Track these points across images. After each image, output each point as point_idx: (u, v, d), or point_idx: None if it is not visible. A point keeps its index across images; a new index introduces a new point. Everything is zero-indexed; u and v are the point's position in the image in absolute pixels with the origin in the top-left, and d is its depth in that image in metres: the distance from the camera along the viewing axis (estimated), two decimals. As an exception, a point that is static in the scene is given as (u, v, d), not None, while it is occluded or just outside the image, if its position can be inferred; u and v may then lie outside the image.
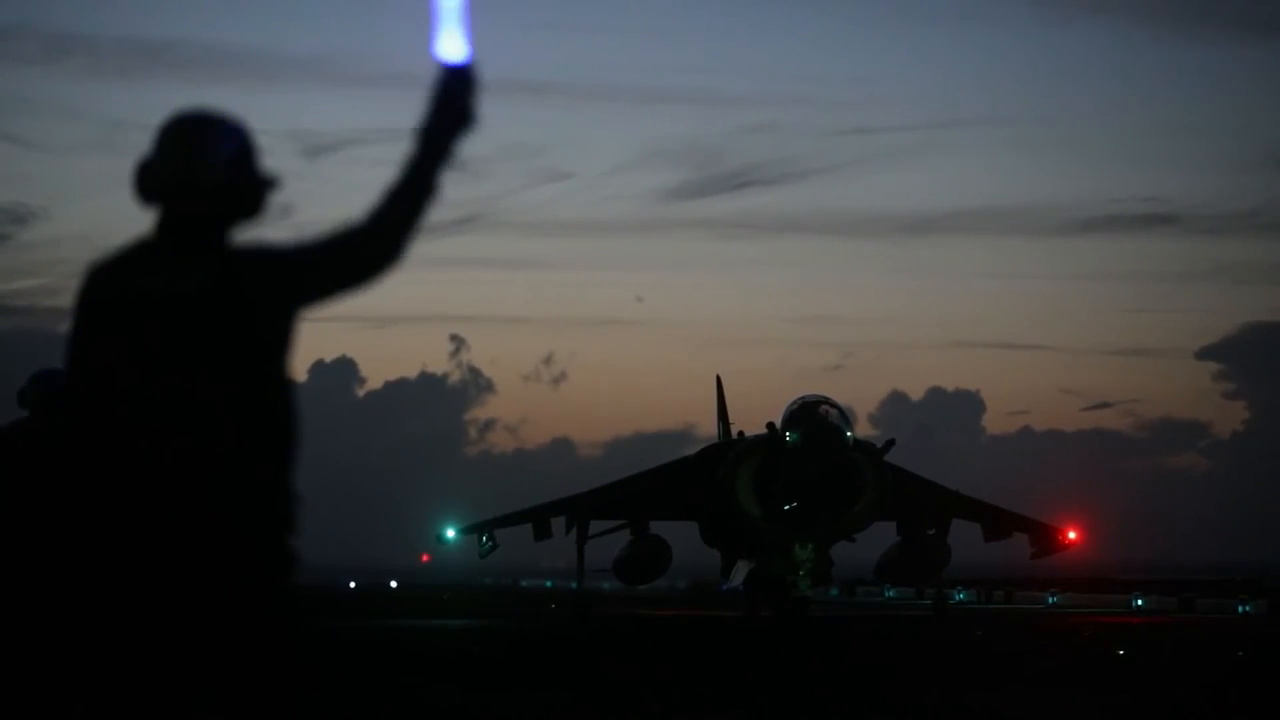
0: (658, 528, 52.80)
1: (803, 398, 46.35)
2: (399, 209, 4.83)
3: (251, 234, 4.95)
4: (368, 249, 4.82)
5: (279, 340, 4.83)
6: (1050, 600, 61.28)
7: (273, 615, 4.75)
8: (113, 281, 4.85)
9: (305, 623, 4.81)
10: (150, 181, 4.91)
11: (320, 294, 4.85)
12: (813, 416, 45.34)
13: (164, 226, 4.90)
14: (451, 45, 4.86)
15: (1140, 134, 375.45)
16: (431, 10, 4.87)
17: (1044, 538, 53.00)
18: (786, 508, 45.59)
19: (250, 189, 4.93)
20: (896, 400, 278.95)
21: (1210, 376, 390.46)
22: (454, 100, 4.86)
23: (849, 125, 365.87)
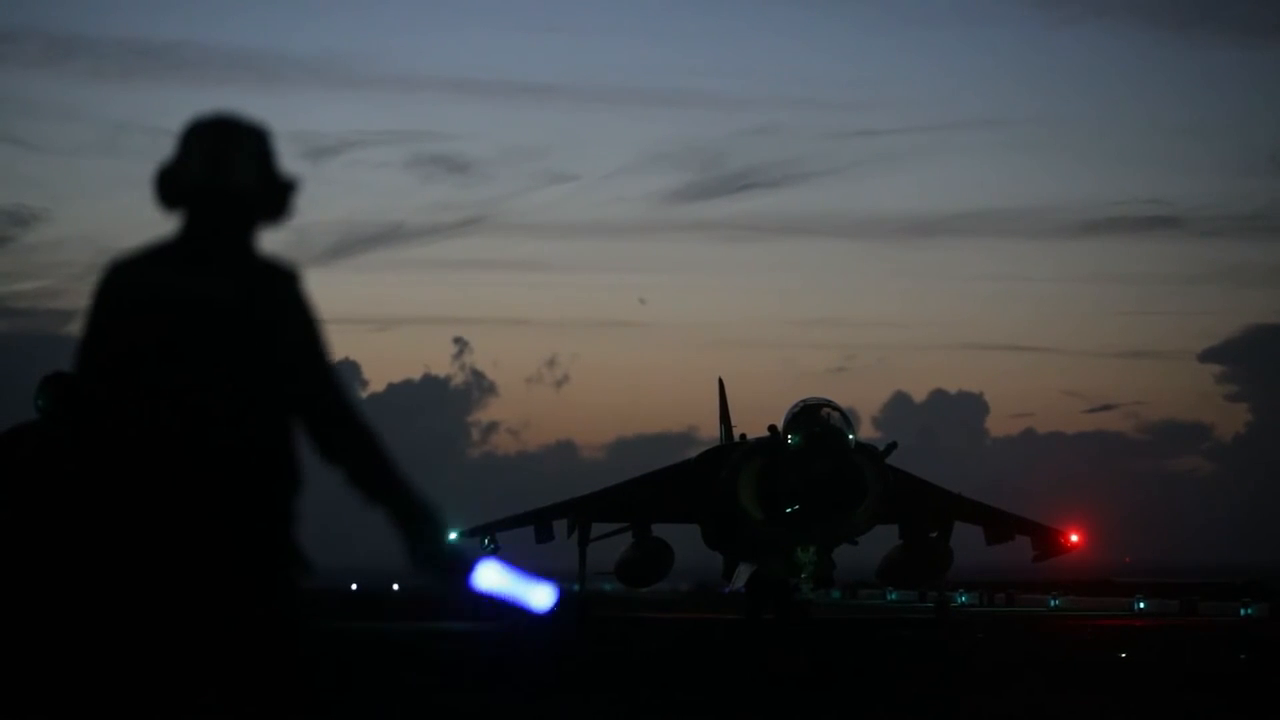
0: (660, 530, 52.77)
1: (805, 400, 46.33)
2: (354, 475, 4.90)
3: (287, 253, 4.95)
4: (321, 435, 4.88)
5: (299, 354, 4.84)
6: (1052, 603, 61.25)
7: (278, 617, 4.76)
8: (138, 280, 4.81)
9: (309, 624, 4.82)
10: (174, 186, 4.87)
11: (292, 385, 4.89)
12: (815, 419, 45.32)
13: (190, 230, 4.86)
14: (488, 577, 5.12)
15: (1143, 136, 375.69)
16: (515, 571, 5.08)
17: (1046, 541, 52.97)
18: (788, 510, 45.54)
19: (277, 191, 4.91)
20: (899, 402, 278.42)
21: (1213, 379, 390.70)
22: (443, 574, 4.96)
23: (852, 127, 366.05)
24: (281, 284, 4.82)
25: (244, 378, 4.75)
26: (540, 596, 5.18)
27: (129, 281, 4.81)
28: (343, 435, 4.87)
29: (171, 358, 4.73)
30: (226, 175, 4.83)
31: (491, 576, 5.17)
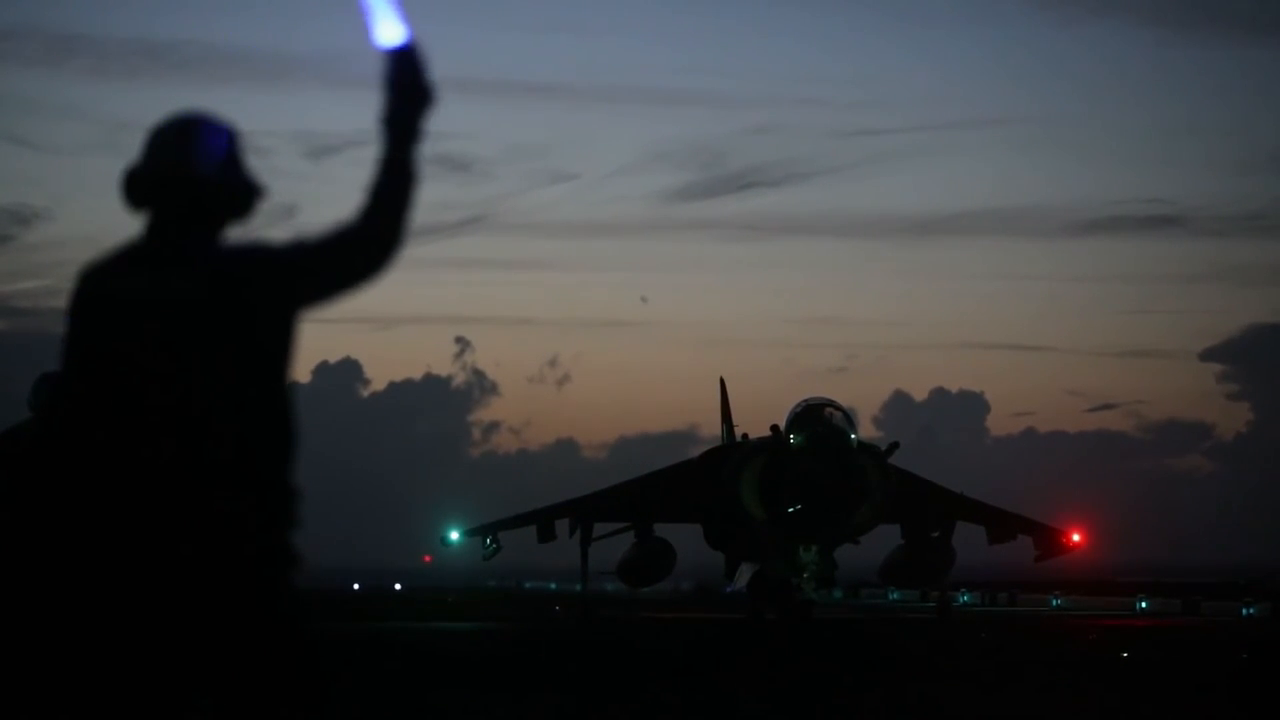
0: (662, 530, 52.78)
1: (807, 400, 46.33)
2: (386, 201, 4.84)
3: (250, 233, 4.95)
4: (365, 245, 4.82)
5: (277, 341, 4.82)
6: (1054, 603, 61.27)
7: (272, 617, 4.74)
8: (107, 285, 4.82)
9: (308, 624, 4.81)
10: (139, 186, 4.89)
11: (321, 294, 4.85)
12: (817, 419, 45.32)
13: (154, 229, 4.88)
14: (389, 31, 4.89)
15: (1144, 136, 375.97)
16: (361, 5, 4.91)
17: (1048, 540, 53.01)
18: (790, 510, 45.53)
19: (240, 191, 4.92)
20: (900, 402, 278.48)
21: (1214, 378, 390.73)
22: (407, 82, 4.87)
23: (853, 127, 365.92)
24: (249, 268, 4.81)
25: (222, 372, 4.74)
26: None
27: (99, 287, 4.82)
28: (370, 217, 4.82)
29: (146, 359, 4.73)
30: (187, 174, 4.84)
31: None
